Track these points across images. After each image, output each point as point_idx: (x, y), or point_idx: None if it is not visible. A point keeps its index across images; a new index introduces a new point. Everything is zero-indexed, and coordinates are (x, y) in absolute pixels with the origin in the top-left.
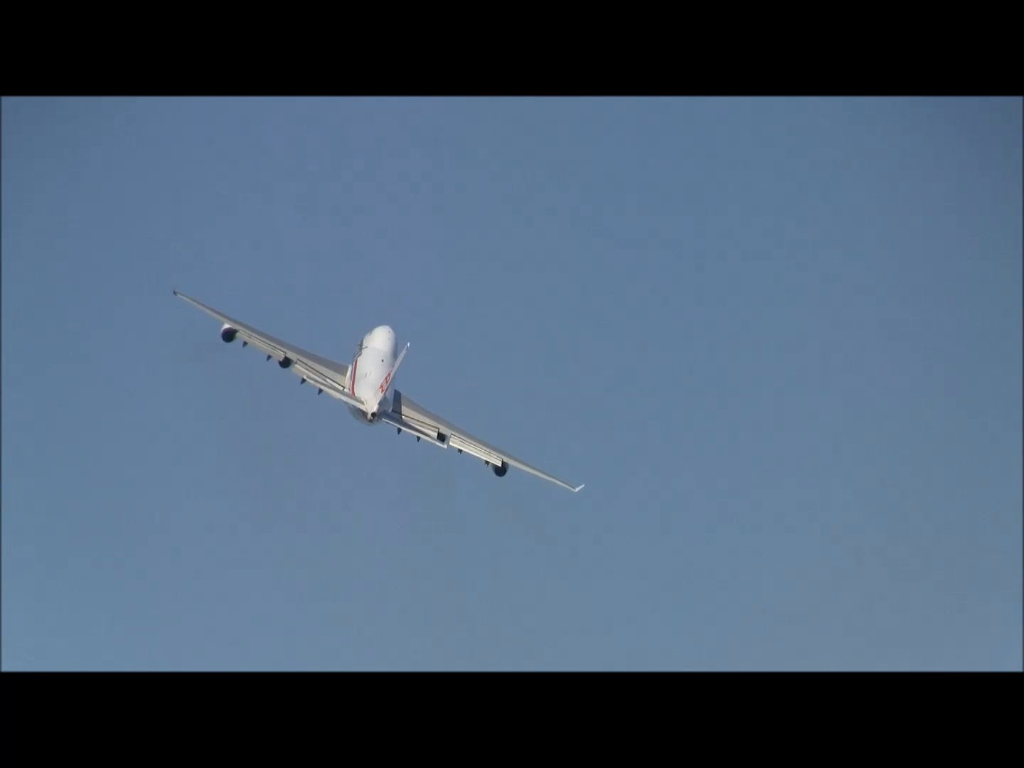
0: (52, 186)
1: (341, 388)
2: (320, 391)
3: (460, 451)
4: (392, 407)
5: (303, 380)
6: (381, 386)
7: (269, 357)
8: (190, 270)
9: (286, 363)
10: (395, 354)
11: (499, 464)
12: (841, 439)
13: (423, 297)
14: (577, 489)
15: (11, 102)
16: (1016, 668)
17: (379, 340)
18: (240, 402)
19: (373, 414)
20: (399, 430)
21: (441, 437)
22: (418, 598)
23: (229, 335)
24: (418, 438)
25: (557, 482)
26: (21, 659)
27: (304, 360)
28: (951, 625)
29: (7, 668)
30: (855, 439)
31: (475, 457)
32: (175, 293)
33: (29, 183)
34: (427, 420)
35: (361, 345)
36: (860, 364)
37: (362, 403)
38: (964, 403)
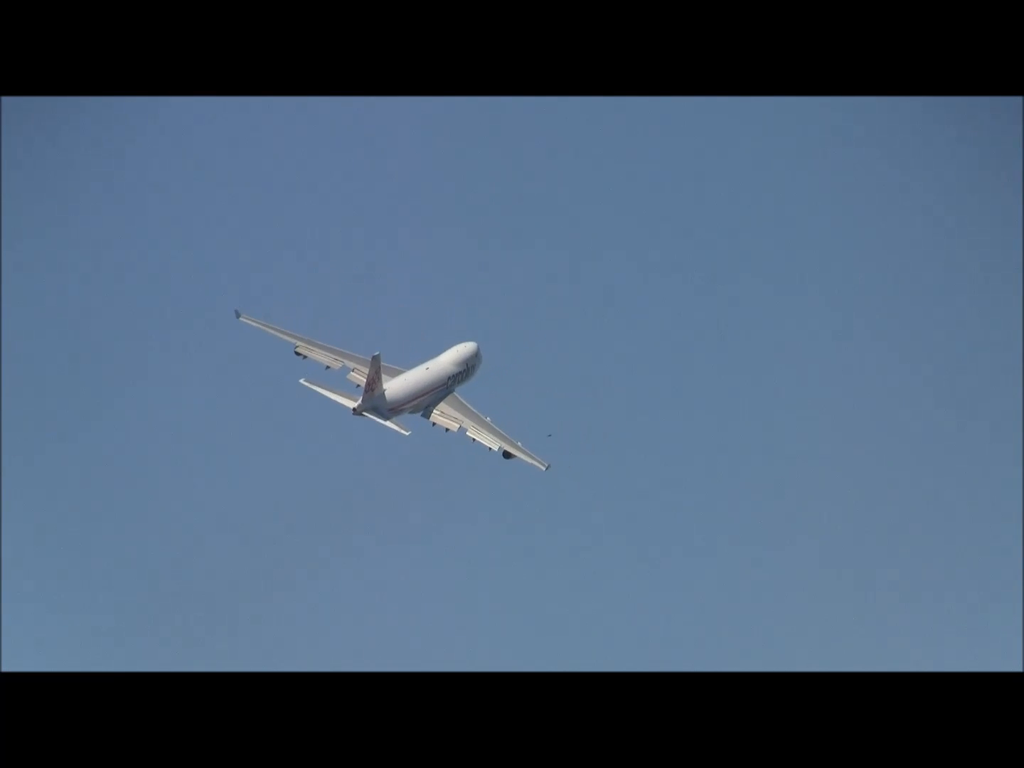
0: (52, 186)
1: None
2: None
3: (474, 440)
4: (396, 406)
5: (357, 386)
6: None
7: (328, 367)
8: (190, 271)
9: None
10: (462, 363)
11: (499, 449)
12: (841, 439)
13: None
14: (546, 468)
15: (11, 102)
16: (1016, 668)
17: (449, 352)
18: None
19: (354, 409)
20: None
21: (464, 430)
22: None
23: (297, 352)
24: (446, 428)
25: (532, 461)
26: (21, 659)
27: (360, 368)
28: (951, 625)
29: (7, 668)
30: (855, 439)
31: (485, 446)
32: (239, 316)
33: (29, 183)
34: (456, 415)
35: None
36: (859, 364)
37: (354, 400)
38: (964, 404)
